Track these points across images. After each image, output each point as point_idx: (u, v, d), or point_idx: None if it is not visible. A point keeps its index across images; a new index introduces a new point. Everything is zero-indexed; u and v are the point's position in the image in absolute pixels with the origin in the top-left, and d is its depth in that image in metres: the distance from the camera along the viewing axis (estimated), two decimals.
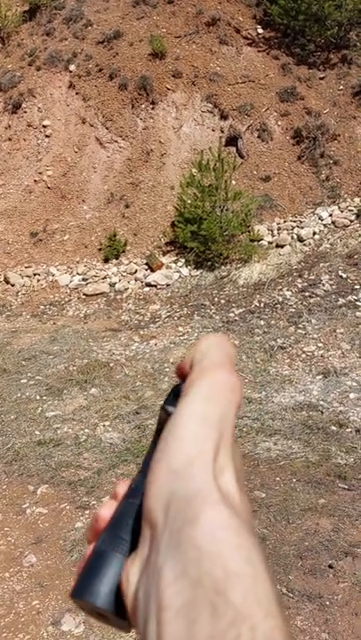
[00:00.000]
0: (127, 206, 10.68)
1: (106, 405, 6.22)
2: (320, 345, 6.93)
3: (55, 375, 7.05)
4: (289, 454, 5.11)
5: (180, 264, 9.80)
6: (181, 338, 7.75)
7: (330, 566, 3.74)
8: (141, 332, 8.09)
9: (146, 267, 9.89)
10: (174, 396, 0.49)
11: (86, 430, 5.85)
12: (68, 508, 4.67)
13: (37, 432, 5.91)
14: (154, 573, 0.38)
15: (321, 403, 5.90)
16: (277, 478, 4.77)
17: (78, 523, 4.46)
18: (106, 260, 10.08)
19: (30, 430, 5.95)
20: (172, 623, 0.35)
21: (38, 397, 6.62)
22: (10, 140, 11.71)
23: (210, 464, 0.41)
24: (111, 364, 7.14)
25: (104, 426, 5.89)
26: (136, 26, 12.03)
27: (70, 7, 12.52)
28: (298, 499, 4.46)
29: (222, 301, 8.62)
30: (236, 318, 8.04)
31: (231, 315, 8.17)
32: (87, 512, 4.58)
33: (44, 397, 6.60)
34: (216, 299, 8.76)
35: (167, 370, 6.91)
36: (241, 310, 8.22)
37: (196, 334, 7.79)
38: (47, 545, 4.23)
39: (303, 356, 6.80)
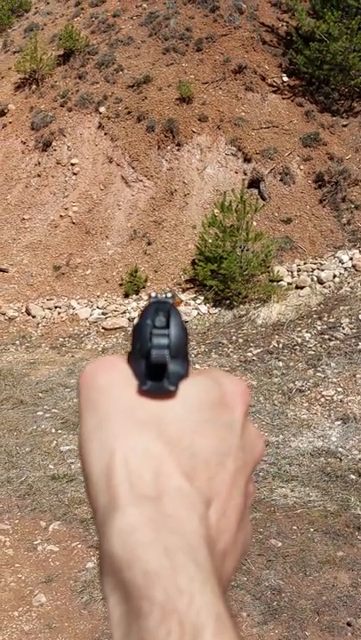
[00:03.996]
0: (149, 243, 10.73)
1: None
2: (339, 389, 6.78)
3: (71, 409, 6.96)
4: (306, 502, 4.93)
5: (198, 301, 9.76)
6: None
7: (348, 624, 3.55)
8: None
9: None
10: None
11: None
12: (79, 546, 4.52)
13: (51, 466, 5.79)
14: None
15: (340, 449, 5.73)
16: (294, 527, 4.60)
17: (90, 563, 4.31)
18: (126, 296, 10.08)
19: (44, 464, 5.83)
20: (114, 638, 0.35)
21: (54, 430, 6.52)
22: (39, 176, 11.90)
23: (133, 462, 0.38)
24: None
25: None
26: (165, 72, 12.30)
27: (103, 52, 12.86)
28: (315, 550, 4.28)
29: (240, 340, 8.53)
30: (254, 358, 7.93)
31: (249, 354, 8.06)
32: (98, 552, 4.43)
33: (60, 431, 6.51)
34: (234, 337, 8.67)
35: None
36: (259, 350, 8.12)
37: None
38: (57, 584, 4.08)
39: (322, 400, 6.66)
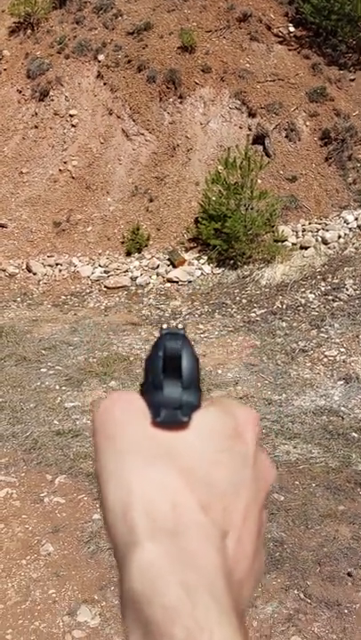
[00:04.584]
0: (151, 200, 10.69)
1: None
2: (342, 350, 6.91)
3: (75, 366, 7.08)
4: (308, 459, 5.10)
5: (202, 261, 9.80)
6: (202, 335, 7.75)
7: (349, 574, 3.74)
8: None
9: (168, 262, 9.90)
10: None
11: None
12: (85, 499, 4.70)
13: (56, 422, 5.95)
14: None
15: (342, 409, 5.89)
16: (296, 482, 4.78)
17: (96, 514, 4.49)
18: (128, 254, 10.10)
19: (49, 420, 5.99)
20: None
21: (57, 387, 6.66)
22: (36, 127, 11.75)
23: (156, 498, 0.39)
24: (131, 358, 7.16)
25: None
26: (167, 18, 12.00)
27: None
28: (317, 504, 4.47)
29: (244, 301, 8.62)
30: (258, 319, 8.03)
31: (253, 315, 8.16)
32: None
33: (64, 388, 6.65)
34: (238, 298, 8.75)
35: None
36: (263, 311, 8.21)
37: (216, 332, 7.80)
38: (64, 535, 4.27)
39: (325, 360, 6.79)
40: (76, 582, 3.82)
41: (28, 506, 4.62)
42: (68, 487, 4.87)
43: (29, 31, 12.75)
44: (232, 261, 9.60)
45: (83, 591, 3.74)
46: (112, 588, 3.75)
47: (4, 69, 12.57)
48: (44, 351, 7.53)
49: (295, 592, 3.67)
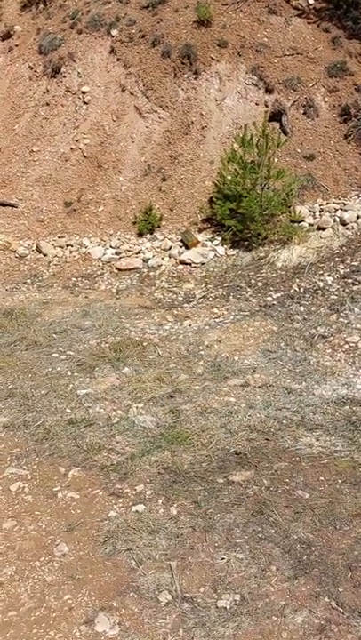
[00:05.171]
0: (164, 179, 10.28)
1: (139, 387, 5.94)
2: None
3: (87, 351, 6.78)
4: (333, 452, 4.80)
5: (216, 242, 9.42)
6: (216, 320, 7.42)
7: None
8: (175, 312, 7.78)
9: (181, 243, 9.53)
10: None
11: (119, 412, 5.59)
12: (100, 494, 4.43)
13: (68, 410, 5.66)
14: None
15: None
16: (321, 478, 4.48)
17: (112, 512, 4.22)
18: (140, 235, 9.73)
19: (61, 408, 5.70)
20: None
21: (70, 373, 6.37)
22: (47, 104, 11.32)
23: None
24: (144, 344, 6.85)
25: (137, 408, 5.62)
26: None
27: None
28: (345, 502, 4.17)
29: (259, 284, 8.26)
30: (274, 302, 7.68)
31: (269, 298, 7.81)
32: (120, 501, 4.33)
33: (76, 374, 6.35)
34: (253, 281, 8.39)
35: (202, 353, 6.60)
36: (279, 294, 7.86)
37: (231, 317, 7.46)
38: (80, 534, 4.00)
39: (346, 346, 6.44)
40: (92, 587, 3.56)
41: (40, 501, 4.35)
42: (82, 481, 4.60)
43: (42, 6, 12.27)
44: (247, 243, 9.23)
45: (100, 597, 3.47)
46: (131, 593, 3.48)
47: (16, 45, 12.12)
48: (55, 335, 7.23)
49: (326, 600, 3.39)
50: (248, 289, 8.22)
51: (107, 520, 4.12)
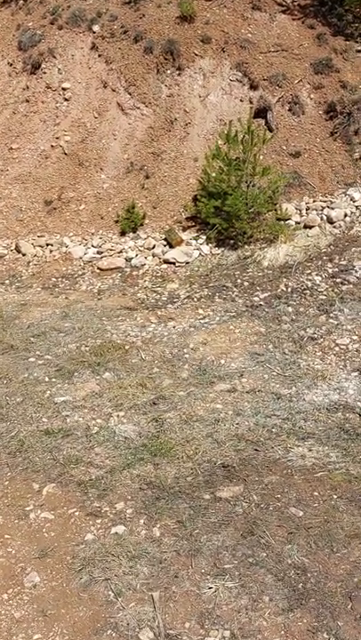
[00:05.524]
0: (147, 177, 9.83)
1: (120, 393, 5.50)
2: (355, 338, 6.18)
3: (66, 355, 6.33)
4: (326, 464, 4.40)
5: (200, 241, 9.00)
6: (202, 321, 6.99)
7: None
8: (159, 313, 7.34)
9: (164, 242, 9.09)
10: None
11: (98, 420, 5.14)
12: (77, 514, 3.98)
13: (45, 419, 5.21)
14: None
15: (358, 404, 5.18)
16: (315, 493, 4.07)
17: (89, 534, 3.78)
18: (122, 233, 9.28)
19: (37, 417, 5.25)
20: None
21: (47, 379, 5.91)
22: (27, 101, 10.81)
23: None
24: (126, 347, 6.41)
25: (118, 416, 5.19)
26: None
27: None
28: (341, 521, 3.77)
29: (246, 283, 7.85)
30: (261, 303, 7.28)
31: (255, 299, 7.40)
32: (98, 521, 3.90)
33: (54, 380, 5.90)
34: (239, 280, 7.98)
35: (186, 356, 6.18)
36: (266, 294, 7.45)
37: (217, 318, 7.04)
38: (53, 561, 3.55)
39: (336, 349, 6.06)
40: (66, 623, 3.12)
41: (11, 523, 3.90)
42: (57, 499, 4.15)
43: (21, 2, 11.73)
44: (232, 241, 8.82)
45: (74, 635, 3.03)
46: (109, 631, 3.04)
47: None
48: (32, 338, 6.76)
49: (325, 636, 2.98)
50: (234, 289, 7.81)
51: (83, 544, 3.68)
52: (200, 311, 7.28)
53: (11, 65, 11.16)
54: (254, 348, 6.24)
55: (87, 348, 6.42)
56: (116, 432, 4.96)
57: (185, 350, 6.28)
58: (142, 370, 5.94)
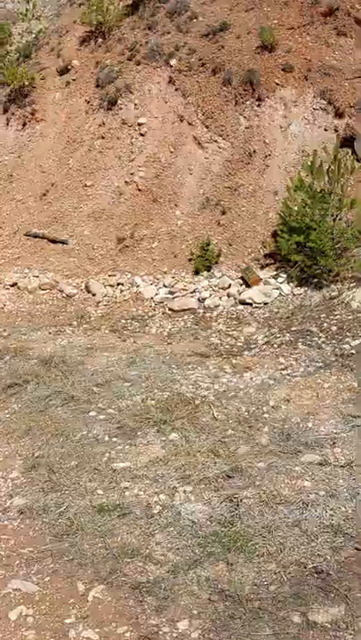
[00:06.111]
0: (223, 213, 9.00)
1: (188, 461, 4.54)
2: None
3: (130, 410, 5.46)
4: None
5: (280, 280, 8.00)
6: (283, 372, 5.95)
7: None
8: (234, 361, 6.37)
9: (241, 281, 8.17)
10: None
11: (162, 496, 4.20)
12: (128, 635, 3.02)
13: (100, 491, 4.32)
14: None
15: None
16: None
17: None
18: (196, 272, 8.44)
19: (92, 487, 4.37)
20: None
21: (107, 438, 5.05)
22: (103, 138, 10.34)
23: None
24: (197, 402, 5.46)
25: (185, 492, 4.22)
26: (244, 17, 10.34)
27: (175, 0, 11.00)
28: None
29: (333, 328, 6.75)
30: (353, 352, 6.14)
31: (346, 346, 6.28)
32: None
33: (114, 439, 5.03)
34: (325, 324, 6.89)
35: (266, 416, 5.14)
36: (358, 342, 6.31)
37: (301, 369, 5.97)
38: None
39: None
40: None
41: None
42: (105, 608, 3.21)
43: (100, 40, 11.42)
44: (316, 280, 7.76)
45: None
46: None
47: (73, 79, 11.29)
48: (95, 388, 5.96)
49: None
50: (320, 334, 6.72)
51: None
52: (281, 360, 6.24)
53: (88, 102, 10.79)
54: (348, 408, 5.11)
55: (153, 402, 5.53)
56: (182, 513, 3.99)
57: (264, 408, 5.26)
58: (214, 432, 4.96)
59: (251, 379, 5.88)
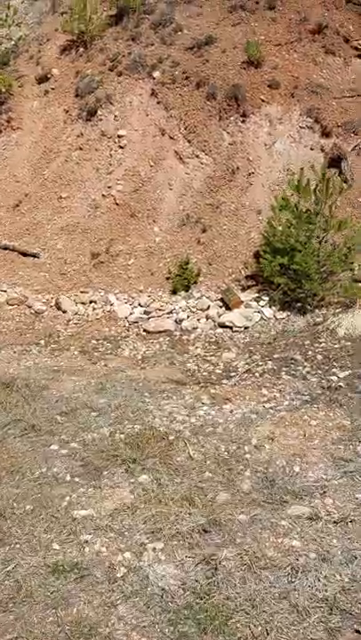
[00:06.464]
0: (204, 230, 8.45)
1: (160, 511, 3.88)
2: None
3: (95, 445, 4.79)
4: None
5: (262, 303, 7.46)
6: (266, 406, 5.34)
7: None
8: (212, 391, 5.75)
9: (220, 303, 7.61)
10: None
11: (127, 555, 3.53)
12: None
13: (56, 545, 3.64)
14: None
15: None
16: None
17: None
18: (174, 292, 7.85)
19: (47, 540, 3.68)
20: None
21: (69, 478, 4.37)
22: (80, 149, 9.74)
23: None
24: (171, 437, 4.81)
25: (154, 550, 3.56)
26: (231, 32, 9.91)
27: (160, 11, 10.53)
28: None
29: (319, 357, 6.20)
30: (341, 384, 5.59)
31: (333, 378, 5.73)
32: None
33: (76, 479, 4.35)
34: (310, 352, 6.34)
35: (248, 457, 4.52)
36: (346, 373, 5.77)
37: (286, 402, 5.38)
38: None
39: None
40: None
41: None
42: None
43: (82, 49, 10.85)
44: (300, 304, 7.24)
45: None
46: None
47: (52, 88, 10.67)
48: (59, 417, 5.27)
49: None
50: (305, 363, 6.16)
51: None
52: (264, 391, 5.65)
53: (67, 112, 10.19)
54: (338, 450, 4.53)
55: (122, 436, 4.87)
56: (150, 578, 3.33)
57: (246, 447, 4.64)
58: (190, 474, 4.32)
59: (231, 412, 5.27)
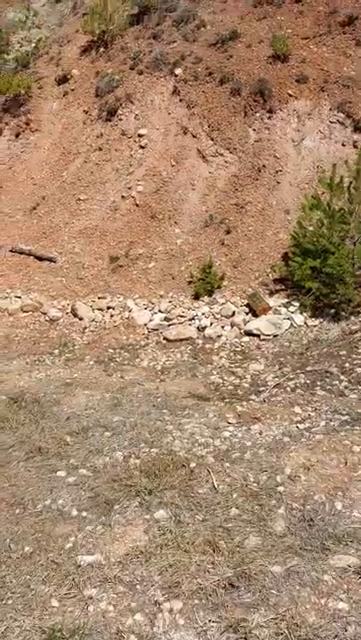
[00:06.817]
0: (228, 232, 7.74)
1: (178, 559, 3.18)
2: None
3: (107, 471, 4.11)
4: None
5: (292, 309, 6.71)
6: (300, 427, 4.60)
7: None
8: (238, 408, 5.03)
9: (247, 309, 6.89)
10: None
11: (138, 617, 2.84)
12: None
13: (55, 602, 2.97)
14: None
15: None
16: None
17: None
18: (196, 297, 7.16)
19: (45, 594, 3.02)
20: None
21: (75, 512, 3.70)
22: (100, 149, 9.13)
23: None
24: (192, 464, 4.11)
25: (171, 612, 2.86)
26: (256, 26, 9.21)
27: (183, 8, 9.87)
28: None
29: (358, 370, 5.43)
30: None
31: None
32: None
33: (84, 514, 3.68)
34: (347, 364, 5.57)
35: (281, 489, 3.78)
36: None
37: (322, 423, 4.62)
38: None
39: None
40: None
41: None
42: None
43: (102, 49, 10.28)
44: (334, 310, 6.48)
45: None
46: None
47: (72, 89, 10.13)
48: (68, 438, 4.62)
49: None
50: (341, 376, 5.39)
51: None
52: (297, 409, 4.90)
53: (86, 112, 9.61)
54: None
55: (137, 462, 4.19)
56: None
57: (278, 478, 3.90)
58: (214, 510, 3.61)
59: (260, 433, 4.54)
